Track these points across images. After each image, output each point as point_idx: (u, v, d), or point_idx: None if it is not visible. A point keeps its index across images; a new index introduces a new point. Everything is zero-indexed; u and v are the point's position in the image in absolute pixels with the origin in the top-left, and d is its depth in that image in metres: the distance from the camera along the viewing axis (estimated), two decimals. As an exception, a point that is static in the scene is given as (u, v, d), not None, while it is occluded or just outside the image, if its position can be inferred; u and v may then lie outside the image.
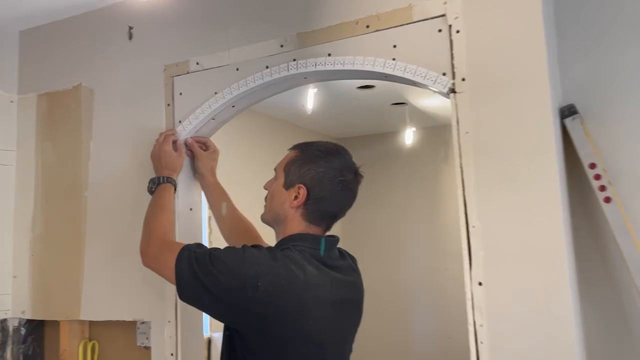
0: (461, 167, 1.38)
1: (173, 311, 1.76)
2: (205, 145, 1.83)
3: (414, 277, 4.58)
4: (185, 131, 1.82)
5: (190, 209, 1.87)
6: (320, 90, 3.29)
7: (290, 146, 1.43)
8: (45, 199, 2.10)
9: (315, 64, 1.59)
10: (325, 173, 1.31)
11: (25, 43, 2.24)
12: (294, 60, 1.63)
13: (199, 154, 1.79)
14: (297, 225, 1.32)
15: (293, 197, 1.32)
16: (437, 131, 4.47)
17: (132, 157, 1.92)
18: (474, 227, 1.35)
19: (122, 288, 1.88)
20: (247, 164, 4.05)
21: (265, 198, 1.43)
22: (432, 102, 3.93)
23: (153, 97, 1.89)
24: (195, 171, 1.82)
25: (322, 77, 1.68)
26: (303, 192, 1.31)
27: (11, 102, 2.19)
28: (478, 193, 1.35)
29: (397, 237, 4.69)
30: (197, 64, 1.82)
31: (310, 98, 2.73)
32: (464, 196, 1.37)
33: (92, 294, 1.94)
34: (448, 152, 4.56)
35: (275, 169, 1.42)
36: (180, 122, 1.83)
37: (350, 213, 1.41)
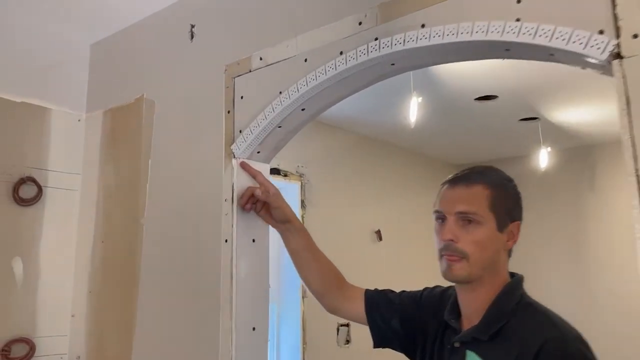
0: (637, 175, 0.85)
1: (227, 372, 1.39)
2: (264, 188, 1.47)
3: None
4: (245, 142, 1.47)
5: (253, 240, 1.50)
6: (427, 103, 2.82)
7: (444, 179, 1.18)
8: (104, 227, 1.87)
9: (404, 40, 1.17)
10: (520, 201, 1.17)
11: (95, 56, 2.09)
12: (376, 39, 1.23)
13: (267, 197, 1.44)
14: (505, 267, 1.14)
15: (506, 239, 1.12)
16: (579, 153, 3.75)
17: (189, 179, 1.63)
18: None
19: (175, 338, 1.56)
20: (341, 190, 3.67)
21: (453, 250, 1.10)
22: (573, 115, 3.26)
23: (213, 104, 1.59)
24: (276, 220, 1.45)
25: (415, 60, 1.25)
26: (517, 229, 1.13)
27: (79, 121, 2.03)
28: (670, 217, 0.82)
29: (532, 283, 3.90)
30: (261, 59, 1.48)
31: (414, 108, 2.29)
32: (643, 222, 0.84)
33: (144, 342, 1.65)
34: (595, 177, 3.80)
35: (467, 213, 1.09)
36: (240, 131, 1.50)
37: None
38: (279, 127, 1.48)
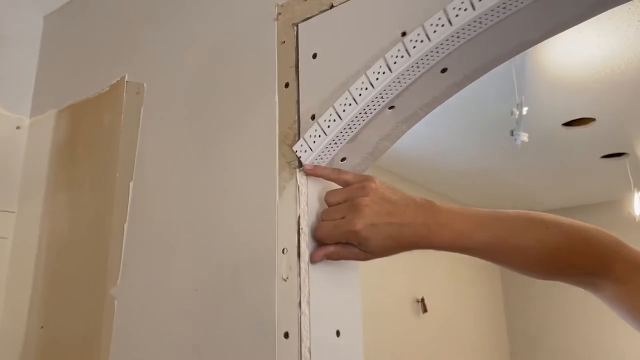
0: None
1: None
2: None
3: None
4: (326, 138, 0.78)
5: (338, 333, 0.78)
6: (487, 134, 2.18)
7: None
8: (47, 302, 1.12)
9: None
10: None
11: (49, 34, 1.40)
12: None
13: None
14: None
15: None
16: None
17: (204, 215, 0.91)
18: None
19: None
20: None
21: None
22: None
23: (253, 75, 0.90)
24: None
25: None
26: None
27: (18, 128, 1.32)
28: None
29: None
30: (355, -20, 0.80)
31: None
32: None
33: None
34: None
35: None
36: (313, 118, 0.80)
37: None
38: (391, 108, 0.78)
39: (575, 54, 1.81)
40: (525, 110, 1.60)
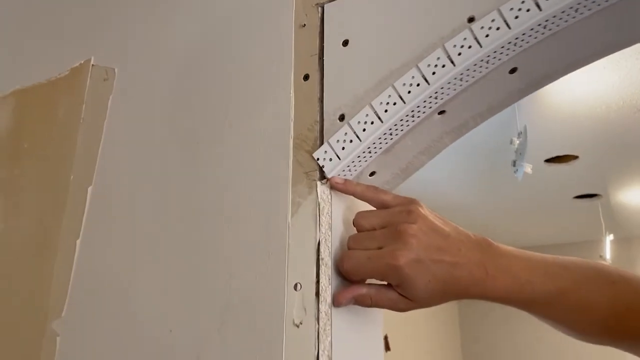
0: None
1: None
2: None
3: None
4: (359, 144, 0.62)
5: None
6: (473, 164, 2.08)
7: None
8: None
9: None
10: None
11: (2, 7, 1.18)
12: None
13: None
14: None
15: None
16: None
17: (185, 235, 0.72)
18: None
19: None
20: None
21: None
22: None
23: (262, 66, 0.73)
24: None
25: None
26: None
27: (-53, 115, 1.08)
28: None
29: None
30: (403, -46, 0.65)
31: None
32: None
33: None
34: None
35: None
36: (342, 118, 0.64)
37: None
38: (441, 112, 0.63)
39: (574, 86, 1.74)
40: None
